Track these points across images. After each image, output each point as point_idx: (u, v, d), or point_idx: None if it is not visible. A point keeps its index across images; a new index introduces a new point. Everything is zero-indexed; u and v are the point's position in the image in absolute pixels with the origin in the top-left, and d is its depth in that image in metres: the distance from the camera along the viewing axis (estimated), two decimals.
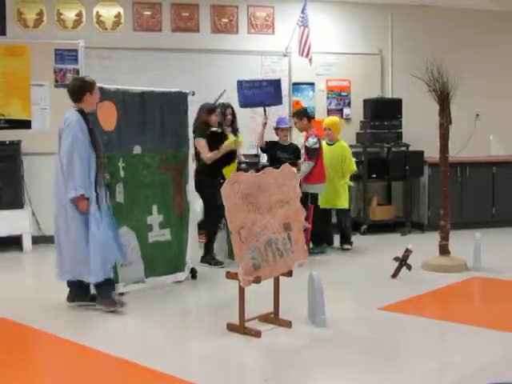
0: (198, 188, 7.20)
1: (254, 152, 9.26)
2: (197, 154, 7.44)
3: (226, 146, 7.37)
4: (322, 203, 8.13)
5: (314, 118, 9.01)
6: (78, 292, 5.83)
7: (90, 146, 5.58)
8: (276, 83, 8.47)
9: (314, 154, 7.91)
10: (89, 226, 5.52)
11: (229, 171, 6.99)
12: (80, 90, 5.67)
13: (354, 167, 8.52)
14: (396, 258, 6.89)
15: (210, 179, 7.22)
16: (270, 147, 8.31)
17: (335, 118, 8.85)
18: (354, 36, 10.21)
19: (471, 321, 5.21)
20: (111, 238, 5.62)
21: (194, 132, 7.24)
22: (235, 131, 8.16)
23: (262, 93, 8.27)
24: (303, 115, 8.22)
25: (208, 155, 7.30)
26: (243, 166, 8.24)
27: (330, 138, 8.46)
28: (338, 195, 8.28)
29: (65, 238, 5.65)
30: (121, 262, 5.95)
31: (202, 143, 7.33)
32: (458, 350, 4.59)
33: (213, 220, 7.47)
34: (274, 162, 7.66)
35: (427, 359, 4.48)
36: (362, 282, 6.69)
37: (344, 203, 8.34)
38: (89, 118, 5.69)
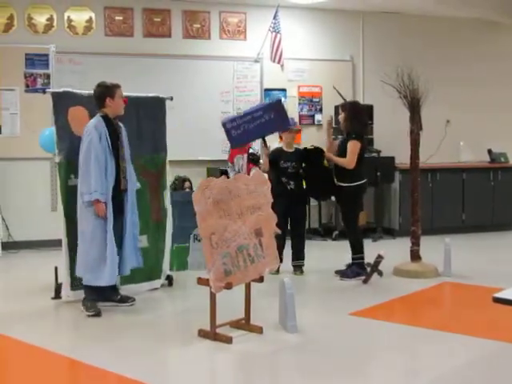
0: None
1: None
2: None
3: None
4: None
5: None
6: (108, 293, 5.87)
7: (108, 150, 5.60)
8: (275, 106, 6.87)
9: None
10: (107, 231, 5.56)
11: None
12: (101, 95, 5.72)
13: None
14: (367, 264, 6.93)
15: None
16: (274, 156, 7.23)
17: None
18: (325, 42, 10.27)
19: (441, 326, 5.24)
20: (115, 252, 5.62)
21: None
22: None
23: (258, 124, 6.65)
24: None
25: None
26: None
27: None
28: None
29: (81, 241, 5.67)
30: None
31: None
32: (428, 356, 4.61)
33: None
34: (279, 173, 7.13)
35: (398, 365, 4.52)
36: (333, 288, 6.70)
37: None
38: (115, 123, 5.74)
